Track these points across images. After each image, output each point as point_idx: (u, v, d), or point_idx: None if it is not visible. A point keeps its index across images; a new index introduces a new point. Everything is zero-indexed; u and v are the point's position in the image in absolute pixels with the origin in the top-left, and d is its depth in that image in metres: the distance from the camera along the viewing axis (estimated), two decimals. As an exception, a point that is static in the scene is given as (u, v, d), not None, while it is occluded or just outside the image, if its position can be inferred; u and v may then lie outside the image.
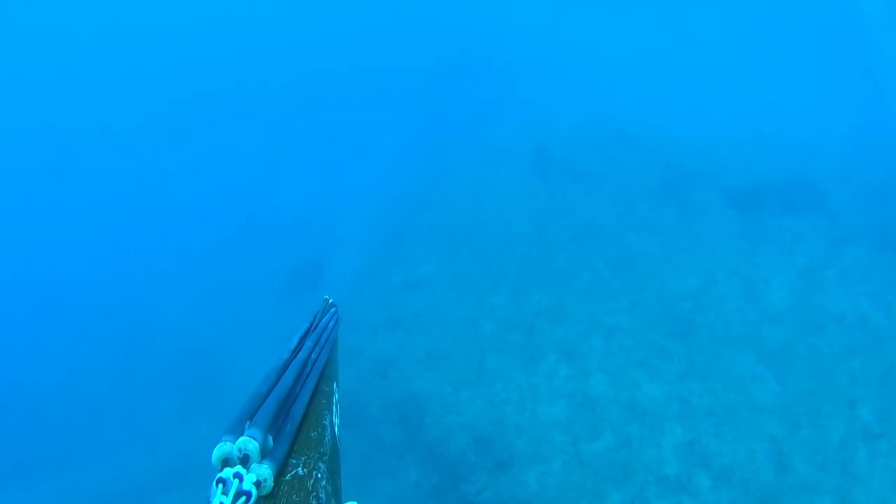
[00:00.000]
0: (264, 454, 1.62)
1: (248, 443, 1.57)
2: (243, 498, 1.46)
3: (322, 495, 1.66)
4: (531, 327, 16.49)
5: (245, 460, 1.57)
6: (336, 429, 2.21)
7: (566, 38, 44.06)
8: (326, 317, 2.73)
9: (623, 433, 13.44)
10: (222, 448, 1.58)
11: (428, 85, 41.41)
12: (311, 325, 2.56)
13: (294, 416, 1.85)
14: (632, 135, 26.37)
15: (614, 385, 14.54)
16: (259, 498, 1.52)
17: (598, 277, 18.06)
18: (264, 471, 1.55)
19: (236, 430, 1.66)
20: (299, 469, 1.69)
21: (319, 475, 1.72)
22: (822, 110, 29.71)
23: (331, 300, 2.95)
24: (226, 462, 1.59)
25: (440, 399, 15.01)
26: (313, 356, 2.27)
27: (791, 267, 17.95)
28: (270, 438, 1.67)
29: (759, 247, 18.88)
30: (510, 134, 29.01)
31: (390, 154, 33.30)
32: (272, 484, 1.57)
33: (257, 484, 1.52)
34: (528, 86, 36.84)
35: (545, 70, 38.69)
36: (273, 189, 35.84)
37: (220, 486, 1.48)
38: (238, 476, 1.49)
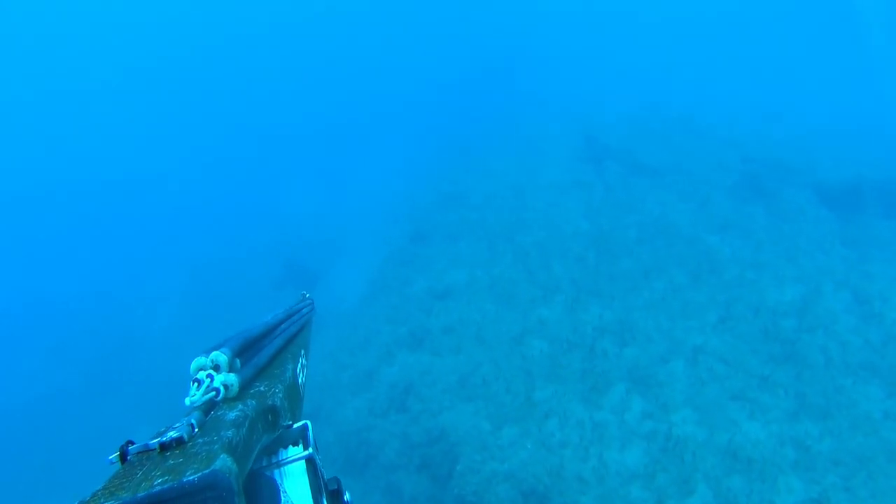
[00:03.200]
0: (232, 369, 1.90)
1: (219, 356, 1.86)
2: (213, 393, 1.78)
3: (277, 401, 2.00)
4: (592, 348, 14.05)
5: (216, 369, 1.86)
6: (299, 379, 2.60)
7: (617, 20, 42.59)
8: (301, 304, 3.42)
9: (724, 488, 10.95)
10: (197, 360, 1.86)
11: (456, 70, 40.70)
12: (287, 309, 3.03)
13: (261, 355, 2.24)
14: (697, 125, 24.89)
15: (706, 424, 12.11)
16: (225, 398, 1.82)
17: (675, 287, 15.80)
18: (231, 378, 1.85)
19: (210, 351, 1.92)
20: (261, 387, 2.04)
21: (276, 390, 2.07)
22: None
23: (308, 295, 3.75)
24: (200, 369, 1.86)
25: (477, 439, 12.51)
26: (283, 326, 2.74)
27: (913, 278, 15.59)
28: (238, 362, 1.95)
29: (867, 254, 16.88)
30: (554, 121, 27.15)
31: (411, 144, 31.62)
32: (237, 390, 1.85)
33: (225, 386, 1.82)
34: (573, 71, 35.42)
35: (593, 55, 37.19)
36: (274, 185, 34.82)
37: (195, 384, 1.80)
38: (210, 377, 1.82)
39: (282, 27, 61.54)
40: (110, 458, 1.40)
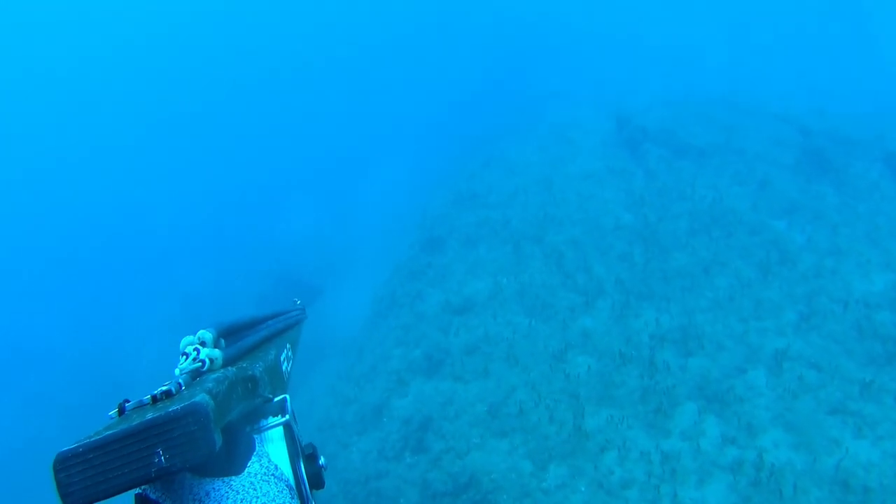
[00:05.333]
0: (217, 346, 2.10)
1: (205, 333, 2.08)
2: (199, 364, 1.95)
3: (257, 372, 2.20)
4: (651, 361, 12.23)
5: (202, 344, 2.06)
6: (283, 366, 2.84)
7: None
8: (291, 308, 3.72)
9: (838, 530, 9.18)
10: (186, 338, 2.07)
11: (468, 59, 39.92)
12: (276, 310, 3.36)
13: (246, 341, 2.46)
14: (742, 102, 23.33)
15: (804, 447, 10.23)
16: (210, 370, 1.98)
17: (742, 283, 14.01)
18: (216, 353, 2.03)
19: (197, 331, 2.13)
20: (243, 363, 2.21)
21: (257, 365, 2.30)
22: None
23: (299, 302, 4.10)
24: (188, 345, 2.05)
25: (516, 484, 10.65)
26: (270, 322, 3.06)
27: None
28: (223, 342, 2.17)
29: (958, 232, 15.17)
30: (580, 106, 25.85)
31: (420, 140, 30.51)
32: (221, 364, 2.04)
33: (210, 359, 1.99)
34: (597, 52, 34.43)
35: (617, 34, 36.25)
36: (267, 199, 33.88)
37: (183, 356, 1.98)
38: (196, 350, 1.99)
39: (282, 25, 61.40)
40: (110, 413, 1.57)
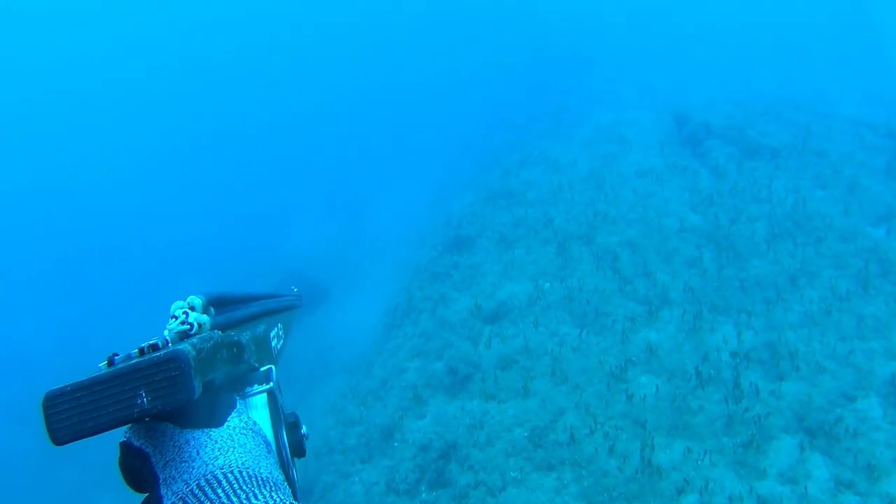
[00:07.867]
0: (206, 313, 2.06)
1: (194, 298, 2.06)
2: (186, 326, 1.91)
3: (243, 339, 2.15)
4: (734, 384, 10.25)
5: (192, 309, 2.03)
6: (272, 342, 2.88)
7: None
8: (286, 293, 3.63)
9: None
10: (176, 303, 2.03)
11: (506, 49, 39.27)
12: (271, 291, 3.27)
13: (235, 313, 2.40)
14: (813, 105, 21.71)
15: None
16: (196, 333, 1.93)
17: (839, 296, 12.18)
18: (204, 318, 1.99)
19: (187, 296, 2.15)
20: (230, 331, 2.16)
21: (244, 334, 2.28)
22: None
23: (296, 290, 3.99)
24: (178, 309, 2.02)
25: (567, 533, 8.76)
26: (263, 301, 2.90)
27: None
28: (213, 310, 2.12)
29: None
30: (630, 106, 24.18)
31: (448, 138, 29.14)
32: (208, 329, 1.99)
33: (198, 324, 1.96)
34: (652, 46, 33.76)
35: (666, 40, 35.51)
36: (269, 199, 32.91)
37: (172, 319, 1.95)
38: (185, 313, 1.96)
39: (306, 28, 61.41)
40: (100, 364, 1.56)
